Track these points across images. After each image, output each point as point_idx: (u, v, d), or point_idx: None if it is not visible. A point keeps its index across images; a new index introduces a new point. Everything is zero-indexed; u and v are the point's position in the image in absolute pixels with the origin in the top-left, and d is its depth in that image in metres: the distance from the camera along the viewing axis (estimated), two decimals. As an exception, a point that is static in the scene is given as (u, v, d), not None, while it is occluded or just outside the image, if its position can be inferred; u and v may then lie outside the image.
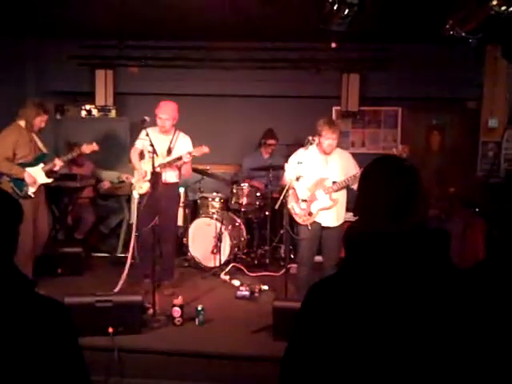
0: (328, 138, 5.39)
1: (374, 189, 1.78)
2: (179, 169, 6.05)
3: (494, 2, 4.80)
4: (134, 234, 5.91)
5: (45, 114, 6.05)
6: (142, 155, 6.07)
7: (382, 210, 1.73)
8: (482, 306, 1.64)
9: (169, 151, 5.92)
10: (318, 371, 1.60)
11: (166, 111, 5.90)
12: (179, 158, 5.86)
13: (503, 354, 1.63)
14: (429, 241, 1.65)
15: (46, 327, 1.71)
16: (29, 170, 5.84)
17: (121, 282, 5.81)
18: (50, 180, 6.05)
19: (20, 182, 5.79)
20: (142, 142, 5.97)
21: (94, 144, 6.33)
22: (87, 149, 6.30)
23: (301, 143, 5.69)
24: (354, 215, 1.84)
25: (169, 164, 5.86)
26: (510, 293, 1.86)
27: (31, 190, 5.85)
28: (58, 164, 6.07)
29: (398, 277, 1.59)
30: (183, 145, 6.02)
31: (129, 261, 5.88)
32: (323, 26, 5.85)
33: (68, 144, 7.80)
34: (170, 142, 5.95)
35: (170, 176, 5.97)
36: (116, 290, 5.69)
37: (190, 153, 5.82)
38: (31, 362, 1.64)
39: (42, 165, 5.96)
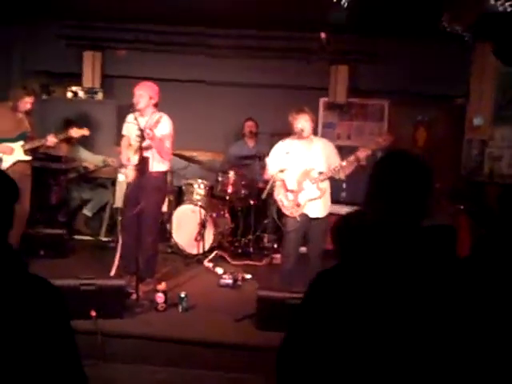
0: (298, 122, 5.48)
1: (390, 182, 1.77)
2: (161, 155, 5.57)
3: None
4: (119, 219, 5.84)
5: (28, 96, 6.10)
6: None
7: (396, 204, 1.74)
8: (488, 302, 1.66)
9: (142, 133, 5.34)
10: (316, 362, 1.60)
11: (142, 87, 5.57)
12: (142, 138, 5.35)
13: (500, 351, 1.64)
14: (439, 235, 1.69)
15: (40, 308, 1.69)
16: (5, 144, 5.94)
17: (115, 266, 5.77)
18: (27, 157, 6.08)
19: None
20: (127, 127, 5.74)
21: (85, 129, 6.31)
22: (76, 133, 6.29)
23: (286, 133, 5.69)
24: (365, 207, 1.84)
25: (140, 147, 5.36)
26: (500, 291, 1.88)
27: (4, 165, 5.90)
28: (49, 140, 6.12)
29: (406, 270, 1.61)
30: (158, 126, 5.54)
31: (119, 247, 5.83)
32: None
33: (66, 122, 7.59)
34: (146, 124, 5.46)
35: (155, 164, 5.55)
36: (112, 273, 5.68)
37: (150, 128, 5.39)
38: (23, 342, 1.63)
39: (21, 142, 6.02)
